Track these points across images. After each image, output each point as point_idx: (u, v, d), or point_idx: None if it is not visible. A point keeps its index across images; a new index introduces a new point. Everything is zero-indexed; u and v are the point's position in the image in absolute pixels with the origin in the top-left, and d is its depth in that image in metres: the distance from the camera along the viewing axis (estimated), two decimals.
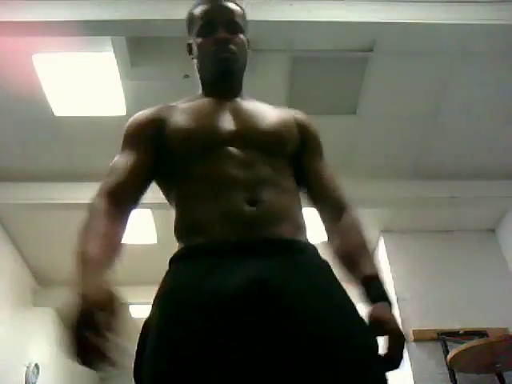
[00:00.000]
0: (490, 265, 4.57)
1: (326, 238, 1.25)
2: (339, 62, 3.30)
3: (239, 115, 1.26)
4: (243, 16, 1.39)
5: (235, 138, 1.20)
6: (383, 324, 1.05)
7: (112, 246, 1.06)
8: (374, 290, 1.09)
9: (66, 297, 0.89)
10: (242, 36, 1.35)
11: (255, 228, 1.07)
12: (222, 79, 1.34)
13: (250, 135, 1.22)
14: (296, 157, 1.28)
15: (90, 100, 3.54)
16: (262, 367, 0.89)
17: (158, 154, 1.22)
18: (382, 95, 3.54)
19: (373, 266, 1.14)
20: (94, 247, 1.00)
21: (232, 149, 1.18)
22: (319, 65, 3.27)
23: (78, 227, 1.07)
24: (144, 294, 5.76)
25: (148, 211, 4.49)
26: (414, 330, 4.17)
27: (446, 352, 3.83)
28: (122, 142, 1.27)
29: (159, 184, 1.29)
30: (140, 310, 6.19)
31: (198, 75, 1.39)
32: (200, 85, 1.39)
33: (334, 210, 1.24)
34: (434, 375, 3.97)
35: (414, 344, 4.14)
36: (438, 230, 4.74)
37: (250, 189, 1.11)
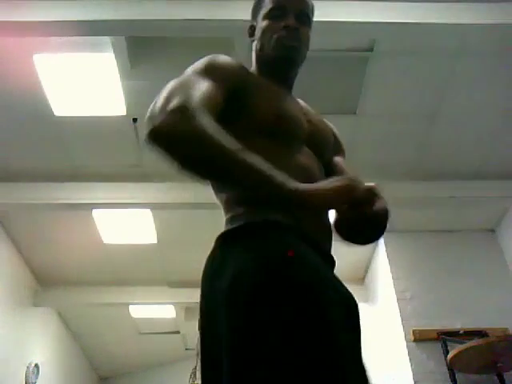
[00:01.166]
0: (490, 265, 4.56)
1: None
2: (339, 61, 3.31)
3: (307, 115, 1.31)
4: (313, 12, 1.40)
5: (311, 139, 1.25)
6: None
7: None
8: None
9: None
10: (308, 30, 1.36)
11: (323, 235, 1.16)
12: (283, 66, 1.33)
13: (319, 141, 1.29)
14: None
15: (90, 100, 3.54)
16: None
17: (227, 104, 1.15)
18: (382, 95, 3.54)
19: None
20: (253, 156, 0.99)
21: (308, 150, 1.23)
22: (319, 65, 3.27)
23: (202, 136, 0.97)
24: (144, 294, 5.80)
25: (148, 211, 4.49)
26: (414, 330, 4.17)
27: (446, 352, 3.83)
28: (202, 67, 1.16)
29: None
30: (140, 310, 6.21)
31: (254, 56, 1.37)
32: (255, 66, 1.36)
33: None
34: (434, 375, 3.96)
35: (413, 344, 4.14)
36: (438, 229, 4.74)
37: None
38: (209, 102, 1.06)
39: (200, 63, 1.18)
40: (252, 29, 1.38)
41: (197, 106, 1.00)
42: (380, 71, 3.36)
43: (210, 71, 1.15)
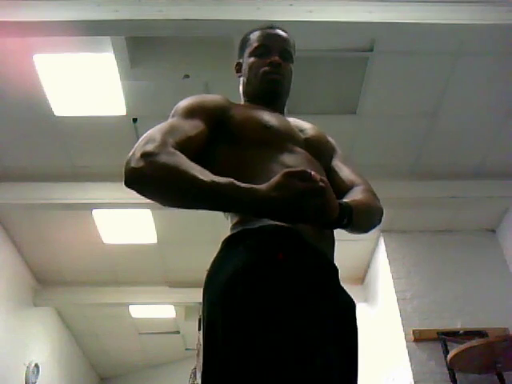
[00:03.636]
0: (490, 265, 4.56)
1: None
2: (339, 61, 3.31)
3: (299, 127, 1.41)
4: (294, 48, 1.52)
5: (308, 143, 1.35)
6: None
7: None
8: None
9: None
10: (291, 65, 1.47)
11: (321, 239, 1.17)
12: (268, 97, 1.43)
13: (318, 145, 1.37)
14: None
15: (90, 100, 3.54)
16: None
17: (214, 134, 1.27)
18: (382, 95, 3.54)
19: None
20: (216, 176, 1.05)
21: (305, 152, 1.30)
22: (319, 65, 3.27)
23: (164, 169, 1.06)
24: (144, 294, 5.80)
25: (148, 211, 4.49)
26: (414, 330, 4.17)
27: (446, 352, 3.83)
28: (182, 111, 1.28)
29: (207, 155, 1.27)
30: (140, 310, 6.21)
31: (241, 90, 1.49)
32: (243, 100, 1.48)
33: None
34: (434, 375, 3.96)
35: (413, 344, 4.14)
36: (438, 229, 4.74)
37: None
38: (185, 142, 1.17)
39: (183, 105, 1.30)
40: (239, 65, 1.51)
41: (165, 149, 1.09)
42: (380, 71, 3.36)
43: (193, 111, 1.27)
